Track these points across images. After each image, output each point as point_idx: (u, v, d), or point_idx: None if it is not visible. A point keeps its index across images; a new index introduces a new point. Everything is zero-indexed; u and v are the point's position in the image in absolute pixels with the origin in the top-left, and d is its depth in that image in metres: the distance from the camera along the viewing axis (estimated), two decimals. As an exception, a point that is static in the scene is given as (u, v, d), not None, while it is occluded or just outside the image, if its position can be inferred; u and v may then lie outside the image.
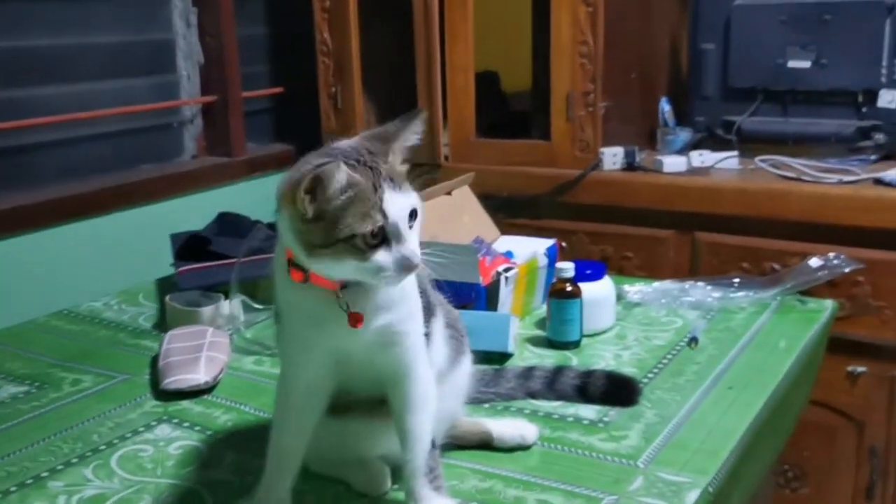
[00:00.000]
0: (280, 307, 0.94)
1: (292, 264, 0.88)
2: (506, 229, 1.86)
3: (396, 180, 0.85)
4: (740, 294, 1.58)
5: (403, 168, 0.89)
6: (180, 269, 1.65)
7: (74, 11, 2.19)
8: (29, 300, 1.81)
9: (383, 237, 0.83)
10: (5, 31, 2.05)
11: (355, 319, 0.88)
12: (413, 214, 0.86)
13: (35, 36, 2.11)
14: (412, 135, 0.89)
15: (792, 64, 2.14)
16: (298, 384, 0.95)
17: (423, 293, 1.00)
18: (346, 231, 0.82)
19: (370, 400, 0.99)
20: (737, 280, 1.62)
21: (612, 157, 2.21)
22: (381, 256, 0.84)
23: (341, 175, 0.81)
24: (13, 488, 1.06)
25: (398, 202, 0.84)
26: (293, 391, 0.96)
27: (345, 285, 0.88)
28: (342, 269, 0.85)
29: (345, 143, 0.89)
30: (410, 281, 0.92)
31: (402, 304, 0.91)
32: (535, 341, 1.46)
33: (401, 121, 0.89)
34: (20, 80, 2.09)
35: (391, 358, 0.93)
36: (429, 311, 1.01)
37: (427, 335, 0.98)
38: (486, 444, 1.12)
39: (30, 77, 2.11)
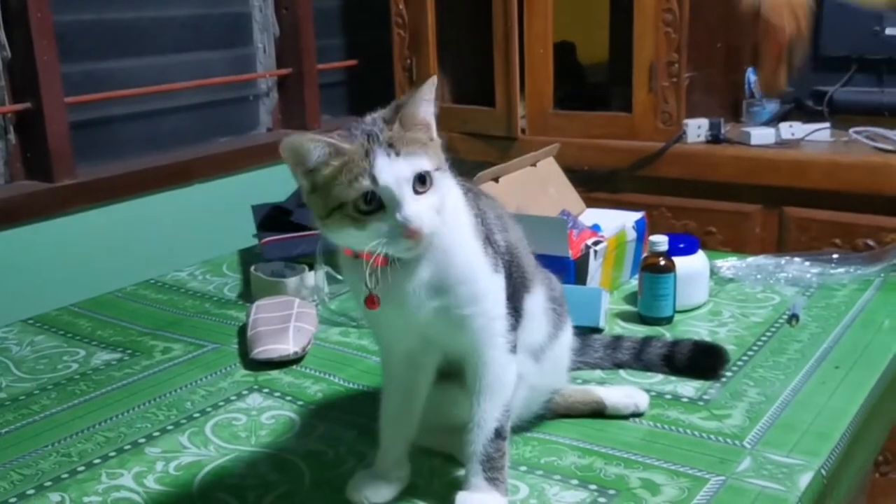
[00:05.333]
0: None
1: None
2: (585, 203, 1.82)
3: (397, 146, 0.82)
4: (840, 270, 1.51)
5: (418, 135, 0.85)
6: (264, 240, 1.65)
7: (154, -16, 2.21)
8: (115, 269, 1.84)
9: (379, 203, 0.81)
10: (90, 5, 2.07)
11: (371, 302, 0.87)
12: (422, 179, 0.82)
13: (117, 9, 2.13)
14: (422, 101, 0.85)
15: (890, 31, 2.05)
16: (391, 355, 0.96)
17: (520, 268, 0.98)
18: (337, 199, 0.81)
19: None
20: (835, 255, 1.55)
21: (697, 129, 2.15)
22: (377, 223, 0.82)
23: (308, 145, 0.81)
24: (112, 453, 1.06)
25: (393, 167, 0.81)
26: (388, 361, 0.97)
27: (392, 261, 0.85)
28: (349, 238, 0.83)
29: (373, 114, 0.87)
30: (468, 263, 0.88)
31: (460, 287, 0.88)
32: (626, 316, 1.42)
33: (414, 88, 0.86)
34: (103, 53, 2.11)
35: (460, 340, 0.91)
36: (523, 287, 0.98)
37: (517, 314, 0.95)
38: (597, 413, 1.09)
39: (112, 50, 2.13)
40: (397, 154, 0.82)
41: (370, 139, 0.82)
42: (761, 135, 2.09)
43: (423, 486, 0.97)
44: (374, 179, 0.80)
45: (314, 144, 0.81)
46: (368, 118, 0.87)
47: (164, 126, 2.28)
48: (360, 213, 0.81)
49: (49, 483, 1.01)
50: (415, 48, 2.49)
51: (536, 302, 1.01)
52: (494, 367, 0.92)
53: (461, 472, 0.97)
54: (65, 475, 1.02)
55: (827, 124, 2.11)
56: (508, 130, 2.37)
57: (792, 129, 2.10)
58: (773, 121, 2.18)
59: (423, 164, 0.83)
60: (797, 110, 2.22)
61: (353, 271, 0.88)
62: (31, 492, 0.99)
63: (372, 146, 0.82)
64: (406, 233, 0.81)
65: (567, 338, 1.09)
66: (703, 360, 1.21)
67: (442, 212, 0.84)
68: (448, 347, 0.94)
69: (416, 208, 0.81)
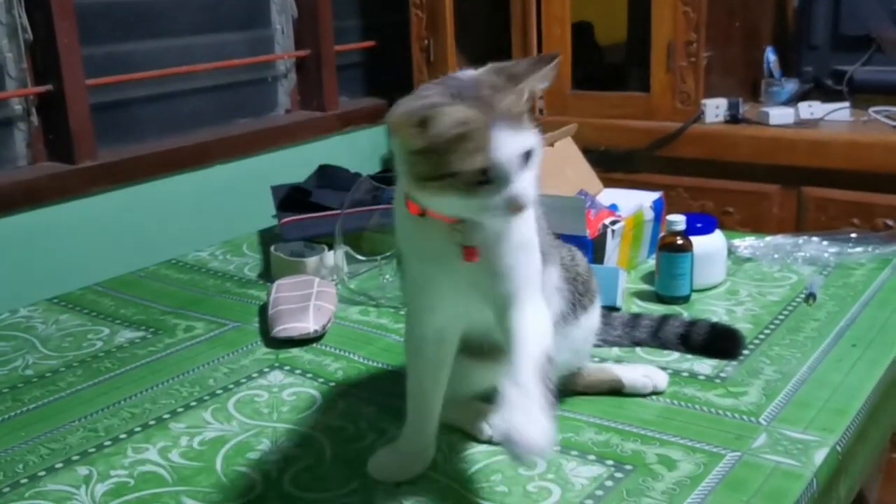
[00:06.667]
0: (399, 243, 0.93)
1: (409, 197, 0.87)
2: (603, 183, 1.82)
3: (513, 119, 0.81)
4: (858, 250, 1.51)
5: (524, 107, 0.84)
6: (283, 220, 1.66)
7: (172, -34, 2.21)
8: (136, 250, 1.86)
9: (491, 176, 0.80)
10: (108, -14, 2.08)
11: (470, 254, 0.87)
12: (528, 155, 0.82)
13: (135, -10, 2.14)
14: (542, 79, 0.85)
15: (910, 9, 2.03)
16: (425, 328, 0.94)
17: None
18: (452, 167, 0.79)
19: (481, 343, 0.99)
20: (853, 235, 1.55)
21: (715, 108, 2.14)
22: (487, 195, 0.81)
23: (454, 115, 0.79)
24: (137, 428, 1.09)
25: (510, 142, 0.80)
26: (422, 335, 0.94)
27: (461, 219, 0.86)
28: (448, 204, 0.83)
29: (468, 75, 0.86)
30: (527, 217, 0.89)
31: (513, 236, 0.88)
32: (643, 296, 1.43)
33: (534, 62, 0.85)
34: (121, 35, 2.12)
35: (499, 289, 0.89)
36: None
37: None
38: (615, 391, 1.10)
39: (132, 32, 2.14)
40: (514, 129, 0.81)
41: (489, 110, 0.80)
42: (780, 115, 2.08)
43: (441, 461, 0.99)
44: (492, 154, 0.79)
45: (454, 114, 0.79)
46: (468, 77, 0.85)
47: (183, 108, 2.29)
48: (472, 183, 0.80)
49: (77, 457, 1.03)
50: (432, 29, 2.48)
51: (546, 279, 1.00)
52: (533, 310, 0.90)
53: (479, 447, 0.99)
54: (92, 449, 1.04)
55: (846, 104, 2.09)
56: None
57: (811, 109, 2.09)
58: (792, 100, 2.17)
59: (531, 140, 0.82)
60: (816, 90, 2.21)
61: (416, 230, 0.88)
62: (59, 465, 1.01)
63: (491, 118, 0.80)
64: (512, 207, 0.81)
65: (592, 320, 1.09)
66: (719, 343, 1.21)
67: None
68: (490, 298, 0.90)
69: (523, 185, 0.81)
